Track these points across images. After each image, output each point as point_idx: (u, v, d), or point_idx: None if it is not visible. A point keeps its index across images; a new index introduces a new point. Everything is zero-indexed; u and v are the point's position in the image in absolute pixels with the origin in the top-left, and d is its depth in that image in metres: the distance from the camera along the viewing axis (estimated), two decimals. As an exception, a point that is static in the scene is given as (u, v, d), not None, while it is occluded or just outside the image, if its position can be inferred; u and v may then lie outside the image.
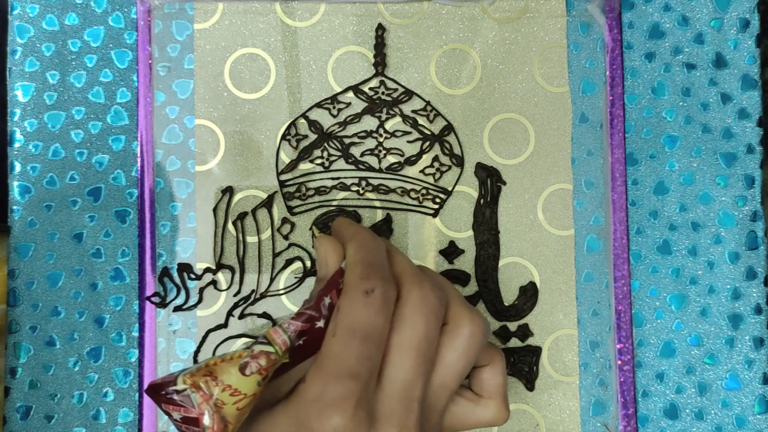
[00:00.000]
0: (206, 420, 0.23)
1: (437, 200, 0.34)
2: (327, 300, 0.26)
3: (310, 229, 0.34)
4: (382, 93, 0.34)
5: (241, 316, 0.34)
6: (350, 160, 0.34)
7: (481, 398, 0.29)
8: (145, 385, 0.33)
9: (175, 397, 0.23)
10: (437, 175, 0.34)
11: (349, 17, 0.35)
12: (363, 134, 0.34)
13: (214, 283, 0.34)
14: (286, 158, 0.34)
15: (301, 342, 0.26)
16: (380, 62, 0.35)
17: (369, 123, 0.34)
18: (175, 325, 0.34)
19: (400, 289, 0.27)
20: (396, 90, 0.34)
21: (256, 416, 0.26)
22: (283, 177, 0.34)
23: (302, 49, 0.34)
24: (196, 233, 0.34)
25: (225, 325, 0.34)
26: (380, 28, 0.35)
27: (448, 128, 0.34)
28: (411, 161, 0.34)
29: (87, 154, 0.34)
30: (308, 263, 0.34)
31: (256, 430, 0.25)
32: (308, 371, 0.25)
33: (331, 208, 0.34)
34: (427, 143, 0.34)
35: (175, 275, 0.34)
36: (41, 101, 0.34)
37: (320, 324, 0.26)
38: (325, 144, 0.34)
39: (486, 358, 0.29)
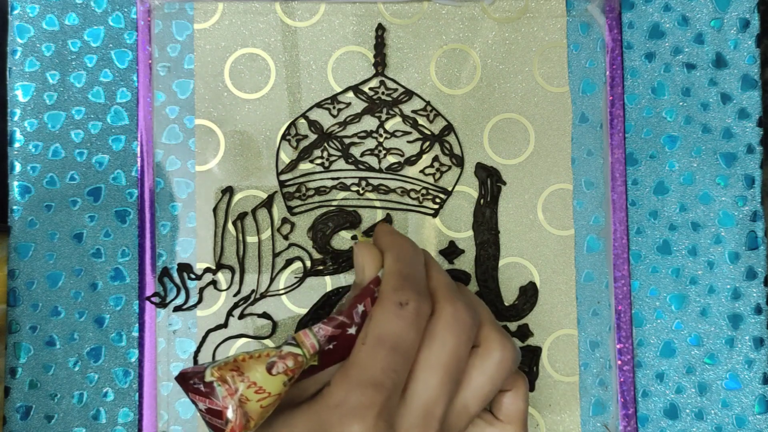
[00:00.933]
0: (230, 414, 0.23)
1: (437, 200, 0.34)
2: (360, 308, 0.26)
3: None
4: (382, 93, 0.34)
5: (241, 316, 0.34)
6: (350, 160, 0.34)
7: (500, 422, 0.29)
8: (146, 385, 0.33)
9: (202, 388, 0.24)
10: (437, 175, 0.34)
11: (349, 17, 0.35)
12: (363, 134, 0.34)
13: (214, 283, 0.34)
14: (286, 158, 0.34)
15: (331, 347, 0.26)
16: (380, 62, 0.35)
17: (369, 123, 0.34)
18: (175, 325, 0.34)
19: (434, 305, 0.27)
20: (396, 90, 0.34)
21: (278, 414, 0.26)
22: (283, 177, 0.34)
23: (302, 49, 0.34)
24: (196, 233, 0.34)
25: (225, 325, 0.34)
26: (380, 28, 0.35)
27: (448, 128, 0.34)
28: (411, 161, 0.34)
29: (87, 154, 0.34)
30: (308, 263, 0.34)
31: (276, 428, 0.25)
32: (334, 376, 0.25)
33: (331, 208, 0.34)
34: (427, 143, 0.34)
35: (175, 275, 0.34)
36: (41, 101, 0.34)
37: (352, 331, 0.26)
38: (325, 144, 0.34)
39: (510, 383, 0.29)
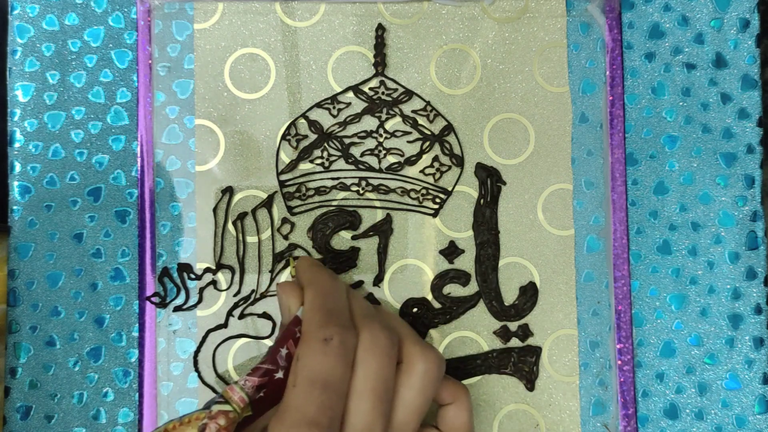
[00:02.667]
0: None
1: (437, 200, 0.34)
2: (284, 351, 0.27)
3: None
4: (382, 93, 0.34)
5: (241, 316, 0.34)
6: (350, 160, 0.34)
7: None
8: (146, 385, 0.33)
9: None
10: (437, 175, 0.34)
11: (349, 17, 0.35)
12: (363, 134, 0.34)
13: (214, 283, 0.34)
14: (286, 158, 0.34)
15: (261, 394, 0.26)
16: (380, 62, 0.35)
17: (369, 123, 0.34)
18: (175, 325, 0.34)
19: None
20: (396, 90, 0.34)
21: None
22: (283, 177, 0.34)
23: (302, 49, 0.34)
24: (196, 233, 0.34)
25: (225, 325, 0.34)
26: (380, 28, 0.35)
27: (448, 128, 0.34)
28: (411, 161, 0.34)
29: (87, 154, 0.34)
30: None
31: None
32: (270, 422, 0.25)
33: (331, 208, 0.34)
34: (427, 143, 0.34)
35: (175, 275, 0.34)
36: (41, 101, 0.34)
37: (279, 375, 0.26)
38: (325, 144, 0.34)
39: (451, 396, 0.29)
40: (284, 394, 0.26)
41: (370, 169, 0.34)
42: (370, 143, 0.34)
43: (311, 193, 0.34)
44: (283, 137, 0.34)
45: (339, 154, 0.34)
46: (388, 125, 0.34)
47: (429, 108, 0.34)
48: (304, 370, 0.25)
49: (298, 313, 0.28)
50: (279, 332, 0.29)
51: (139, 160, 0.34)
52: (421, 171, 0.34)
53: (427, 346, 0.28)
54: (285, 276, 0.34)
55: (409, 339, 0.28)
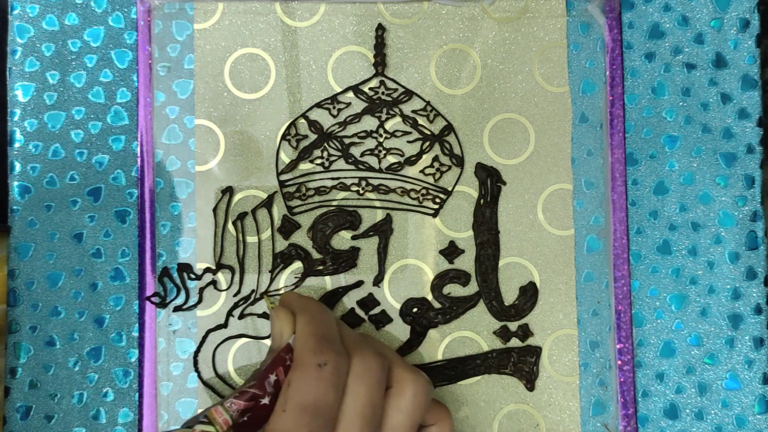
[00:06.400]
0: None
1: (437, 200, 0.34)
2: (273, 377, 0.27)
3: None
4: (382, 93, 0.34)
5: (241, 316, 0.34)
6: (350, 160, 0.34)
7: None
8: (146, 385, 0.33)
9: None
10: (437, 175, 0.34)
11: (349, 17, 0.35)
12: (363, 134, 0.34)
13: (214, 283, 0.34)
14: (286, 158, 0.34)
15: (245, 419, 0.26)
16: (380, 62, 0.35)
17: (369, 123, 0.34)
18: (175, 325, 0.34)
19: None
20: (396, 90, 0.34)
21: None
22: (283, 177, 0.34)
23: (302, 49, 0.34)
24: (196, 233, 0.34)
25: (225, 325, 0.34)
26: (380, 28, 0.35)
27: (448, 128, 0.34)
28: (411, 161, 0.34)
29: (87, 154, 0.34)
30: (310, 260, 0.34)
31: None
32: None
33: (331, 207, 0.34)
34: (427, 143, 0.34)
35: (175, 275, 0.34)
36: (41, 101, 0.34)
37: (265, 401, 0.27)
38: (325, 144, 0.34)
39: (434, 417, 0.30)
40: (271, 419, 0.26)
41: (370, 169, 0.34)
42: (370, 143, 0.34)
43: (311, 193, 0.34)
44: (283, 137, 0.34)
45: (339, 154, 0.34)
46: (388, 125, 0.34)
47: (429, 108, 0.34)
48: (296, 395, 0.26)
49: (290, 340, 0.28)
50: (268, 356, 0.29)
51: (139, 160, 0.34)
52: (421, 171, 0.34)
53: (417, 371, 0.29)
54: (285, 276, 0.34)
55: (398, 364, 0.29)
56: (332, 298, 0.34)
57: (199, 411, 0.28)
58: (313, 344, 0.27)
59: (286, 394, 0.26)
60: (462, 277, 0.34)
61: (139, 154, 0.34)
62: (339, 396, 0.26)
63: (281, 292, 0.33)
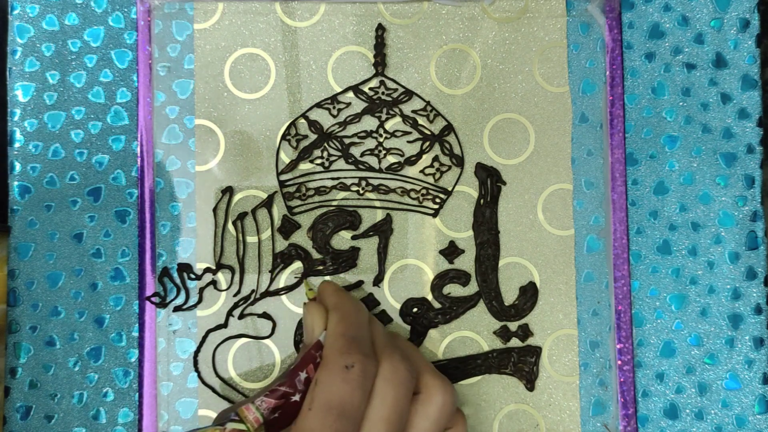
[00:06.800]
0: None
1: (437, 200, 0.34)
2: (303, 375, 0.27)
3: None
4: (382, 93, 0.34)
5: (241, 316, 0.34)
6: (350, 160, 0.34)
7: None
8: (146, 385, 0.33)
9: None
10: (437, 175, 0.34)
11: (349, 17, 0.35)
12: (363, 134, 0.34)
13: (214, 283, 0.34)
14: (286, 158, 0.34)
15: (276, 416, 0.26)
16: (380, 62, 0.35)
17: (369, 123, 0.34)
18: (175, 325, 0.34)
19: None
20: (396, 90, 0.34)
21: None
22: (283, 177, 0.34)
23: (302, 49, 0.34)
24: (196, 233, 0.34)
25: (225, 325, 0.34)
26: (380, 28, 0.35)
27: (448, 128, 0.34)
28: (411, 161, 0.34)
29: (87, 154, 0.34)
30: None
31: None
32: None
33: (331, 207, 0.34)
34: (427, 143, 0.34)
35: (175, 275, 0.34)
36: (41, 101, 0.34)
37: (296, 398, 0.27)
38: (325, 144, 0.34)
39: (450, 421, 0.30)
40: (298, 417, 0.26)
41: (370, 169, 0.34)
42: (370, 143, 0.34)
43: (311, 193, 0.34)
44: (283, 137, 0.34)
45: (339, 154, 0.34)
46: (388, 125, 0.34)
47: (429, 108, 0.34)
48: (322, 394, 0.26)
49: (321, 338, 0.28)
50: (299, 354, 0.29)
51: (139, 160, 0.34)
52: (421, 171, 0.34)
53: (444, 378, 0.29)
54: (285, 276, 0.34)
55: (427, 370, 0.29)
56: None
57: (229, 408, 0.28)
58: (341, 345, 0.27)
59: (313, 393, 0.26)
60: (462, 277, 0.34)
61: (139, 154, 0.34)
62: (365, 398, 0.26)
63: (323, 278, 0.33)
